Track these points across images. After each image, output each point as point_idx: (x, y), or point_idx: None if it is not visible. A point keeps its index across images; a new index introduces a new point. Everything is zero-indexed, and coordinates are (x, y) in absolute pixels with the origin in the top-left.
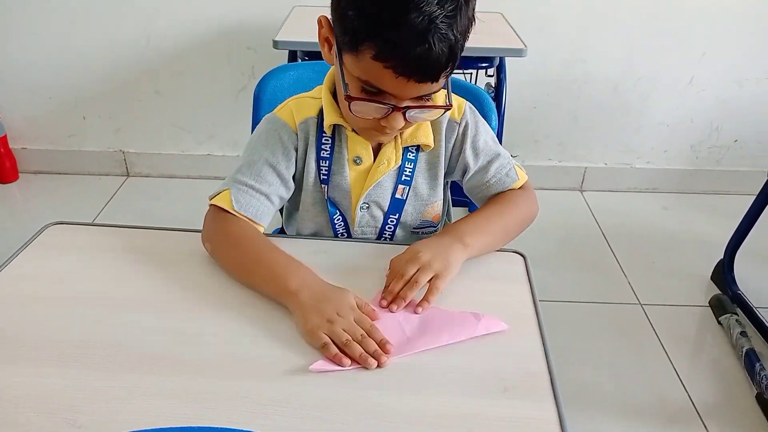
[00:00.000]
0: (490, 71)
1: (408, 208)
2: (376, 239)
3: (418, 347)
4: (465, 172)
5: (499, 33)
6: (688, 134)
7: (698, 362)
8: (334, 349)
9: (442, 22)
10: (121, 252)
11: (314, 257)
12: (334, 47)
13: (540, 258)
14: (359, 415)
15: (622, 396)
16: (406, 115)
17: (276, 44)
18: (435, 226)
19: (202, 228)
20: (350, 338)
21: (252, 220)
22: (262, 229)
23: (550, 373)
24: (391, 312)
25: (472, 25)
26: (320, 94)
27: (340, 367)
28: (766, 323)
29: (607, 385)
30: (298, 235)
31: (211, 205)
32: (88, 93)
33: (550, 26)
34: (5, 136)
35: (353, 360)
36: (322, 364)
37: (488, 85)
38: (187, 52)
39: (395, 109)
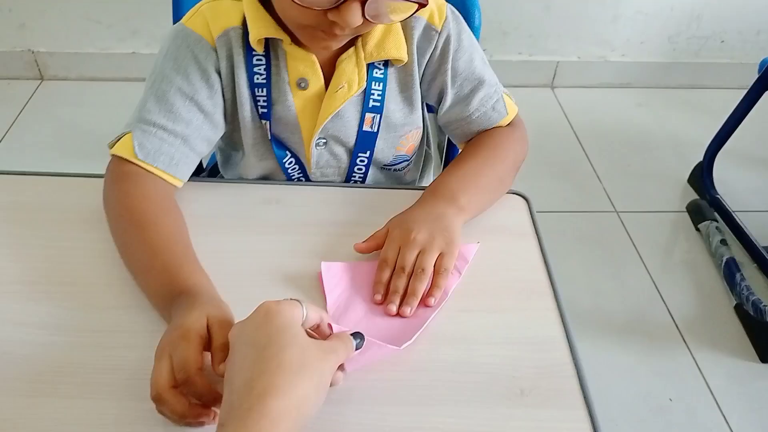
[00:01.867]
0: None
1: (379, 143)
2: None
3: (425, 318)
4: (441, 99)
5: None
6: (666, 24)
7: (676, 273)
8: None
9: None
10: (5, 211)
11: (263, 209)
12: None
13: None
14: None
15: (599, 311)
16: (365, 8)
17: None
18: (409, 160)
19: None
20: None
21: (166, 174)
22: (180, 185)
23: (577, 366)
24: (404, 317)
25: None
26: None
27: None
28: (745, 229)
29: (584, 300)
30: (242, 179)
31: (112, 156)
32: None
33: None
34: None
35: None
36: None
37: None
38: None
39: None
